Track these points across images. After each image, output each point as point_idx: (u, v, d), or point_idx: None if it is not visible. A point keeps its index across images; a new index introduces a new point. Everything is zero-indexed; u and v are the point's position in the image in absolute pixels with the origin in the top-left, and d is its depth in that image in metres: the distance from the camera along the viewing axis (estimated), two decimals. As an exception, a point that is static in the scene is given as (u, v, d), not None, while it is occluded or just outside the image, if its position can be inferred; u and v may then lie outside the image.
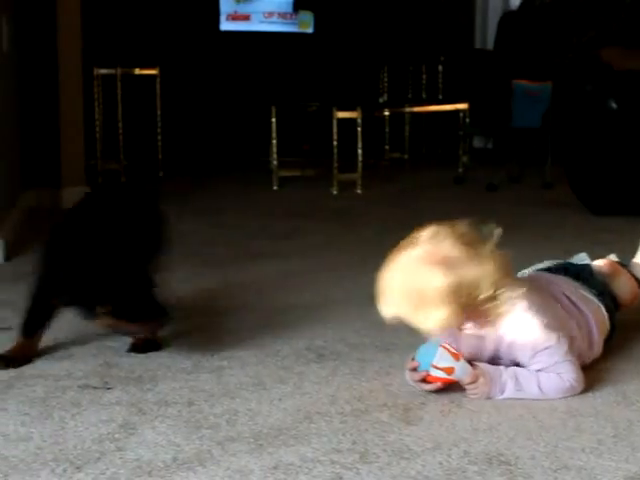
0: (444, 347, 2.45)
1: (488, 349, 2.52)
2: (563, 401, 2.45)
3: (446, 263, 2.36)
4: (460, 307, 2.37)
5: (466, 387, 2.46)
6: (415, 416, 2.36)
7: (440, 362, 2.44)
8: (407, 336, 2.99)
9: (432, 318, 2.37)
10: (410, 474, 2.05)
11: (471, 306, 2.39)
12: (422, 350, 2.49)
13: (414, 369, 2.49)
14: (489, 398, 2.45)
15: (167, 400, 2.47)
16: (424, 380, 2.47)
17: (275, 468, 2.07)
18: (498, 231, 2.43)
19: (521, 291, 2.44)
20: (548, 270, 2.89)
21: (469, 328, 2.48)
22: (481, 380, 2.44)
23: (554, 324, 2.49)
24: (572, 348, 2.51)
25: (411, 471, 2.06)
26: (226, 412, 2.40)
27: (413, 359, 2.50)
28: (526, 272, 2.90)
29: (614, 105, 5.21)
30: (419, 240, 2.41)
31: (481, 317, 2.44)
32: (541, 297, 2.56)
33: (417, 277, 2.35)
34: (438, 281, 2.34)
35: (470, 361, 2.47)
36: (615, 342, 2.84)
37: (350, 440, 2.22)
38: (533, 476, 2.03)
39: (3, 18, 4.68)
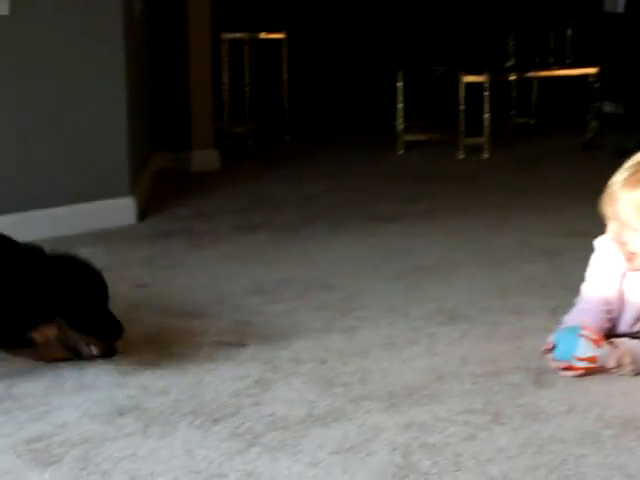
0: (585, 336, 2.36)
1: None
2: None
3: None
4: None
5: (612, 371, 2.37)
6: (548, 380, 2.35)
7: (584, 353, 2.36)
8: (537, 299, 2.99)
9: None
10: (543, 436, 2.05)
11: None
12: (562, 339, 2.39)
13: (549, 350, 2.40)
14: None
15: (300, 358, 2.51)
16: (566, 369, 2.39)
17: (408, 426, 2.09)
18: None
19: None
20: None
21: None
22: (626, 360, 2.36)
23: None
24: None
25: (544, 433, 2.06)
26: (358, 370, 2.42)
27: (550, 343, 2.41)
28: None
29: None
30: None
31: None
32: None
33: None
34: None
35: (611, 340, 2.42)
36: None
37: (482, 401, 2.22)
38: (670, 442, 2.01)
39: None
